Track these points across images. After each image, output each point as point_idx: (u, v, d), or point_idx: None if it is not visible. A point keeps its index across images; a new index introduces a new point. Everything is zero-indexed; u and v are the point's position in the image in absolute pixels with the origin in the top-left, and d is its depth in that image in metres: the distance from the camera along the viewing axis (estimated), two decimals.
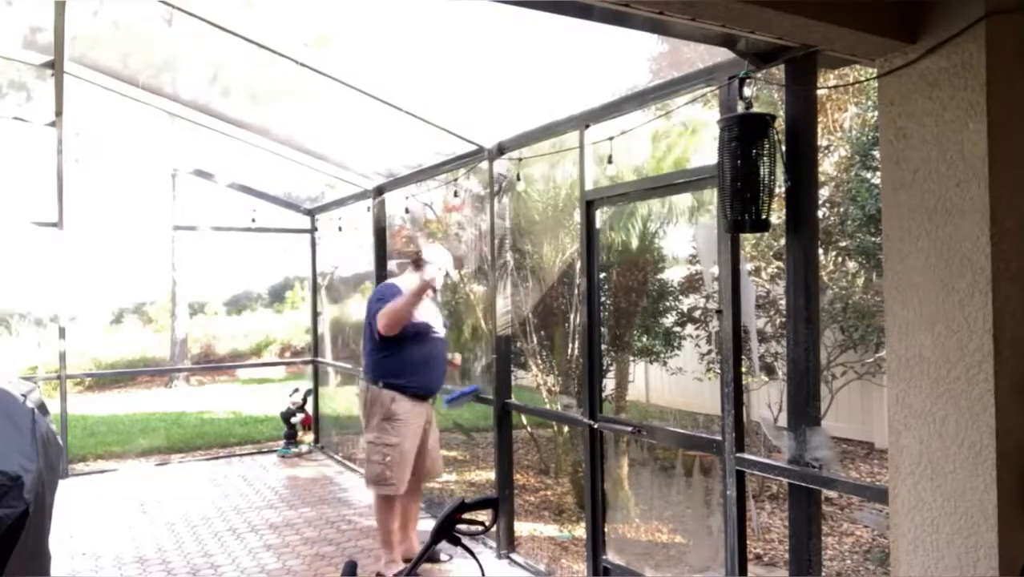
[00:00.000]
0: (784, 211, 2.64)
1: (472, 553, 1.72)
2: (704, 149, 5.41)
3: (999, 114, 1.84)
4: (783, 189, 2.61)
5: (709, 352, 5.73)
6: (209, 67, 5.46)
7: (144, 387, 14.64)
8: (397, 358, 4.19)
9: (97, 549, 4.77)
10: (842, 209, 4.78)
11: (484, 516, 1.73)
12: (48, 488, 2.77)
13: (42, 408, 3.16)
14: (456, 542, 1.68)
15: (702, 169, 3.19)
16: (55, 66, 4.95)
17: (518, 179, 4.30)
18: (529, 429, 6.63)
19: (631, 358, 6.13)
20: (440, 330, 4.39)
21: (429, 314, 4.31)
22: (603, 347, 4.95)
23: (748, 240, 4.92)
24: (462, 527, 1.68)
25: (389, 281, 4.51)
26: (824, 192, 4.89)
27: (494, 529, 4.55)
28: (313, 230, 8.13)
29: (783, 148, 2.56)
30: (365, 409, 4.29)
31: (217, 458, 7.73)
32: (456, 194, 5.54)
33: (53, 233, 6.64)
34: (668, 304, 5.82)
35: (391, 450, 4.15)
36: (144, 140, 7.68)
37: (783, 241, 3.02)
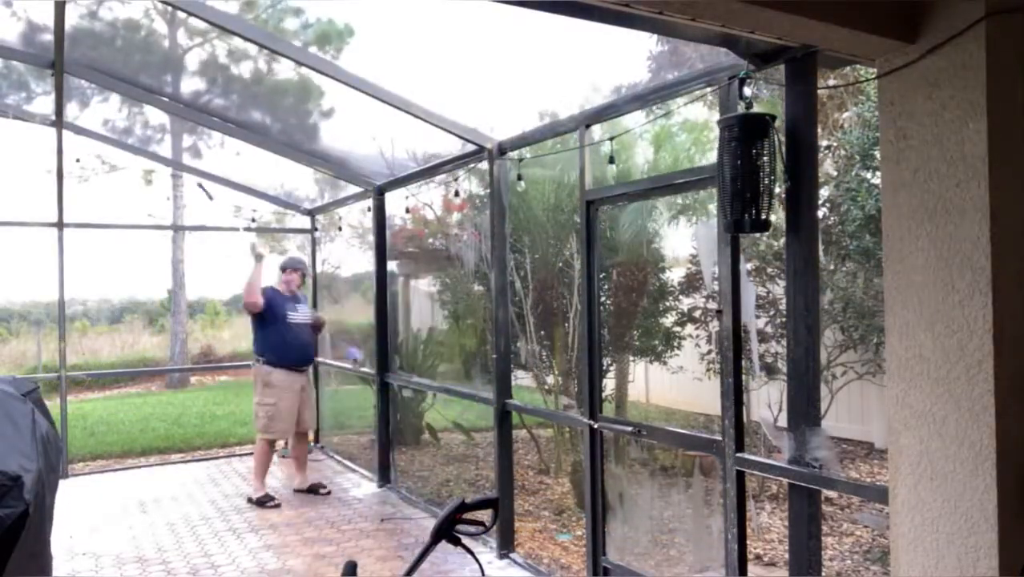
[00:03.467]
0: (784, 211, 2.64)
1: (472, 553, 1.71)
2: (705, 149, 5.41)
3: (999, 114, 1.84)
4: (783, 189, 2.61)
5: (709, 352, 5.73)
6: (209, 67, 5.48)
7: (144, 387, 14.64)
8: (268, 340, 5.87)
9: (97, 549, 4.77)
10: (842, 209, 4.77)
11: (484, 516, 1.73)
12: (48, 488, 2.77)
13: (42, 408, 3.16)
14: (456, 542, 1.67)
15: (702, 169, 3.19)
16: (55, 66, 4.95)
17: (519, 179, 4.31)
18: (529, 430, 6.63)
19: (631, 358, 6.12)
20: (299, 318, 5.99)
21: (289, 307, 5.94)
22: (603, 347, 4.95)
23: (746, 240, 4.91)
24: (462, 527, 1.67)
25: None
26: (824, 192, 4.88)
27: (494, 529, 4.55)
28: (313, 230, 8.13)
29: (783, 148, 2.56)
30: (254, 379, 5.96)
31: (217, 458, 7.73)
32: (456, 193, 5.54)
33: (53, 233, 6.64)
34: (668, 304, 5.82)
35: (270, 408, 5.78)
36: (144, 141, 7.69)
37: (783, 241, 3.03)
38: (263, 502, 5.65)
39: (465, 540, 1.68)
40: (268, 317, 5.84)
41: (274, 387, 5.79)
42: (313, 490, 6.01)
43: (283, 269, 6.12)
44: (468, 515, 1.68)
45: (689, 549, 4.62)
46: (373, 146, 5.83)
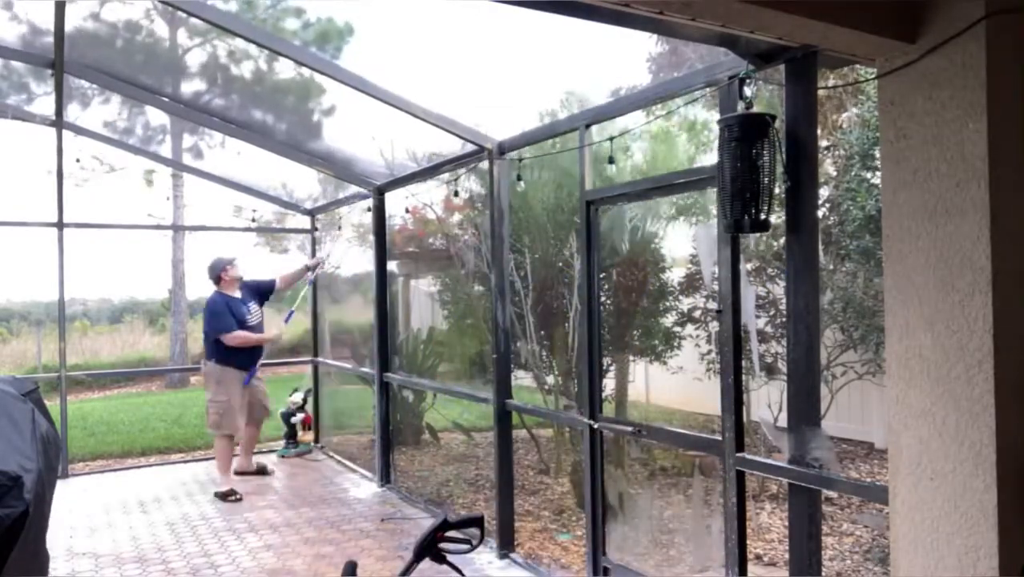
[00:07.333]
0: (784, 211, 2.64)
1: (459, 571, 1.68)
2: (704, 148, 5.41)
3: (999, 114, 1.84)
4: (783, 189, 2.61)
5: (709, 352, 5.73)
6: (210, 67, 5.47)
7: (144, 387, 14.63)
8: (223, 345, 6.11)
9: (97, 549, 4.77)
10: (842, 209, 4.77)
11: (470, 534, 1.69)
12: (48, 488, 2.77)
13: (42, 408, 3.16)
14: (441, 560, 1.63)
15: (702, 169, 3.20)
16: (55, 66, 4.95)
17: (519, 179, 4.31)
18: (529, 430, 6.63)
19: (631, 358, 6.12)
20: (254, 320, 6.34)
21: (244, 311, 6.25)
22: (603, 347, 4.94)
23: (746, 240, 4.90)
24: (447, 545, 1.63)
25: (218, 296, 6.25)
26: (824, 192, 4.88)
27: (495, 529, 4.55)
28: (313, 230, 8.13)
29: (783, 148, 2.56)
30: (206, 378, 6.25)
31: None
32: (456, 193, 5.55)
33: (53, 233, 6.63)
34: (668, 304, 5.82)
35: (222, 404, 6.07)
36: (145, 141, 7.67)
37: (783, 241, 3.03)
38: (226, 496, 5.84)
39: (451, 558, 1.64)
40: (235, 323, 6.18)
41: (225, 384, 6.10)
42: (261, 472, 6.58)
43: (223, 269, 6.22)
44: (453, 533, 1.64)
45: (689, 549, 4.62)
46: (373, 146, 5.83)
